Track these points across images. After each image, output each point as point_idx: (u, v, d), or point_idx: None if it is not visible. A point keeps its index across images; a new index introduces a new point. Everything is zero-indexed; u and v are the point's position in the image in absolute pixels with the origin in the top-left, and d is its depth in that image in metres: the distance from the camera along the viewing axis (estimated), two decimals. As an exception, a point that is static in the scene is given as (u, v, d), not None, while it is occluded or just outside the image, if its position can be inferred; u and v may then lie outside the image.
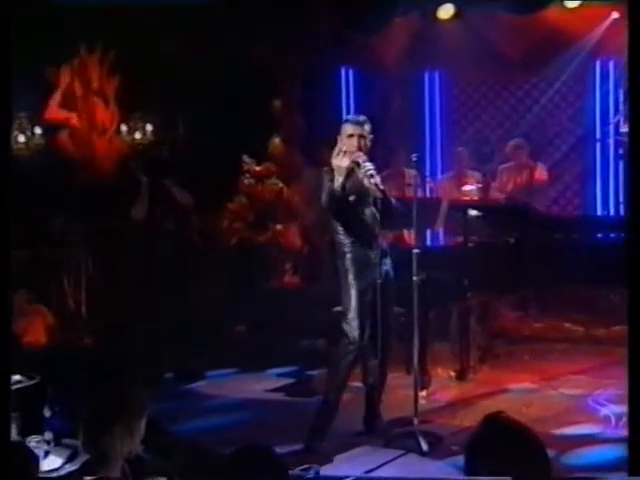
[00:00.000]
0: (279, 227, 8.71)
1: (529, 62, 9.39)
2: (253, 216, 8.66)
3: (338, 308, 5.30)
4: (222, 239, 8.50)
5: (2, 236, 3.64)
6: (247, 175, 8.67)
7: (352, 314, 5.07)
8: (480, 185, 8.16)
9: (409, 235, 6.88)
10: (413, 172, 5.23)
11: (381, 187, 5.01)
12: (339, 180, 4.98)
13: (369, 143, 5.16)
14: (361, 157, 5.03)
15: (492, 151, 9.71)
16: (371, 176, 4.99)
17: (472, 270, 6.51)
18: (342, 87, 9.82)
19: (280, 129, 9.10)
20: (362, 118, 5.18)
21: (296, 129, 9.14)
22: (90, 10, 7.35)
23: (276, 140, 9.06)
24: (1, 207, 3.64)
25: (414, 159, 5.27)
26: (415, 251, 5.13)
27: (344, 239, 5.18)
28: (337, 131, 5.33)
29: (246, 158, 8.67)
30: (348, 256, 5.15)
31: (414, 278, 5.11)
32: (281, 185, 8.77)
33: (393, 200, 5.15)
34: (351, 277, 5.12)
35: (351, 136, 5.10)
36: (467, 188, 8.00)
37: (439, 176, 9.36)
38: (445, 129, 10.00)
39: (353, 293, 5.09)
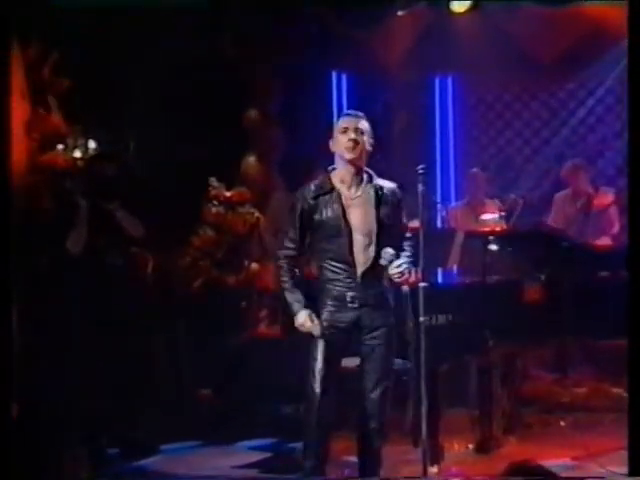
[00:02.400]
0: (254, 266, 8.64)
1: (564, 64, 9.47)
2: (222, 252, 8.58)
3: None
4: (183, 280, 8.41)
5: None
6: (215, 202, 8.59)
7: (316, 365, 5.06)
8: (503, 213, 8.16)
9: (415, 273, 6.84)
10: (420, 188, 5.12)
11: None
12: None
13: (369, 146, 5.15)
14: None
15: (517, 175, 9.73)
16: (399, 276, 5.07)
17: (493, 315, 6.47)
18: (333, 94, 9.90)
19: (256, 145, 9.10)
20: (360, 113, 5.22)
21: (276, 145, 9.20)
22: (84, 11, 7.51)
23: (251, 159, 9.08)
24: None
25: (420, 171, 5.17)
26: (422, 285, 5.06)
27: (319, 274, 5.20)
28: (326, 147, 5.31)
29: (213, 181, 8.59)
30: (322, 294, 5.14)
31: (421, 319, 5.03)
32: (257, 214, 8.70)
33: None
34: (322, 319, 5.09)
35: (345, 130, 5.10)
36: (486, 217, 8.01)
37: (452, 203, 9.41)
38: (460, 147, 10.06)
39: (319, 340, 5.07)
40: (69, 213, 7.10)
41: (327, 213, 5.10)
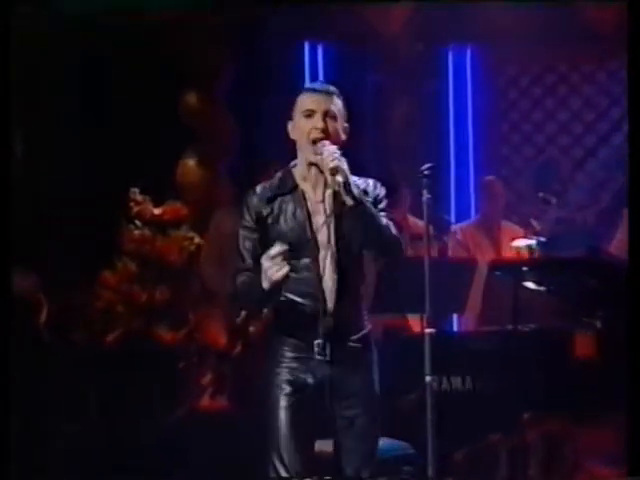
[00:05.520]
0: (195, 313, 8.68)
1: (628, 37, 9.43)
2: (148, 292, 8.56)
3: None
4: (92, 332, 8.38)
5: None
6: (138, 221, 8.60)
7: (281, 444, 4.97)
8: (542, 239, 8.21)
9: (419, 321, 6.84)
10: (424, 196, 5.04)
11: (354, 190, 4.86)
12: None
13: (343, 133, 5.06)
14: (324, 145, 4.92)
15: (564, 186, 9.74)
16: (335, 171, 4.83)
17: (529, 378, 6.55)
18: (305, 72, 9.92)
19: (197, 143, 9.10)
20: (331, 87, 5.09)
21: (224, 144, 9.19)
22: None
23: (189, 162, 9.10)
24: None
25: (425, 173, 5.10)
26: (428, 331, 4.99)
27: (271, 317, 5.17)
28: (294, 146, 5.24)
29: (136, 193, 8.58)
30: (276, 345, 5.06)
31: (427, 379, 4.97)
32: (197, 239, 8.72)
33: (384, 219, 5.00)
34: (281, 380, 5.00)
35: (310, 114, 4.99)
36: (519, 244, 8.14)
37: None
38: (483, 146, 10.10)
39: (282, 410, 4.98)
40: None
41: (287, 220, 5.00)
